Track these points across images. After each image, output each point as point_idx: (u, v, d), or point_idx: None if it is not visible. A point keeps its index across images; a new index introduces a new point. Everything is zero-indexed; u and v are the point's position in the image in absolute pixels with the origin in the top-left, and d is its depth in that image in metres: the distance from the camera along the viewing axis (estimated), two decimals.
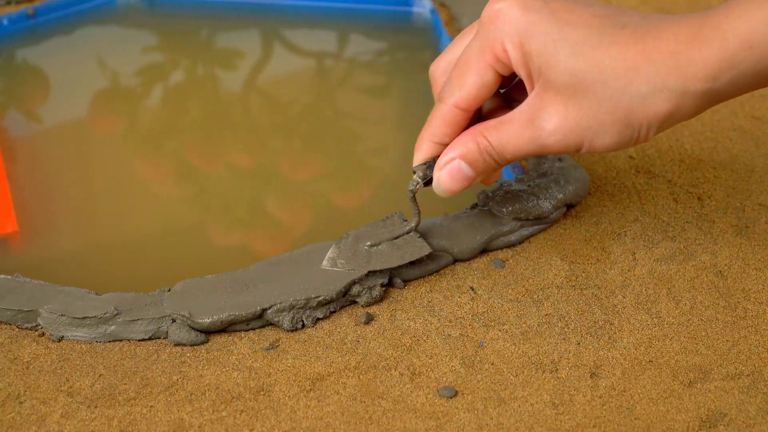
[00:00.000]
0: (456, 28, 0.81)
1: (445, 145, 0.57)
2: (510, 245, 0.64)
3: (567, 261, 0.63)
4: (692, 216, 0.66)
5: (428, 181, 0.58)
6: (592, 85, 0.52)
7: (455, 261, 0.63)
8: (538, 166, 0.67)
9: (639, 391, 0.56)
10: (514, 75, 0.57)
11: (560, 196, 0.64)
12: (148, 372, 0.56)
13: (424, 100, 0.77)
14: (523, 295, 0.61)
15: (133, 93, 0.78)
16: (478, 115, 0.60)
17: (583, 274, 0.62)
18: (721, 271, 0.62)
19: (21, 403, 0.55)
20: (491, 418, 0.55)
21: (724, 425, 0.54)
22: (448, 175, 0.57)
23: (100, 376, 0.56)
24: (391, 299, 0.61)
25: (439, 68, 0.60)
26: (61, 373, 0.56)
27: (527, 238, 0.64)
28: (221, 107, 0.77)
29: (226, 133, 0.75)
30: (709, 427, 0.54)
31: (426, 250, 0.60)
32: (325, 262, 0.60)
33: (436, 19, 0.82)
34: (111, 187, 0.70)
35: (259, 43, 0.82)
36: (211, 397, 0.55)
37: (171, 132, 0.75)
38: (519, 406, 0.55)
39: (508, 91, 0.60)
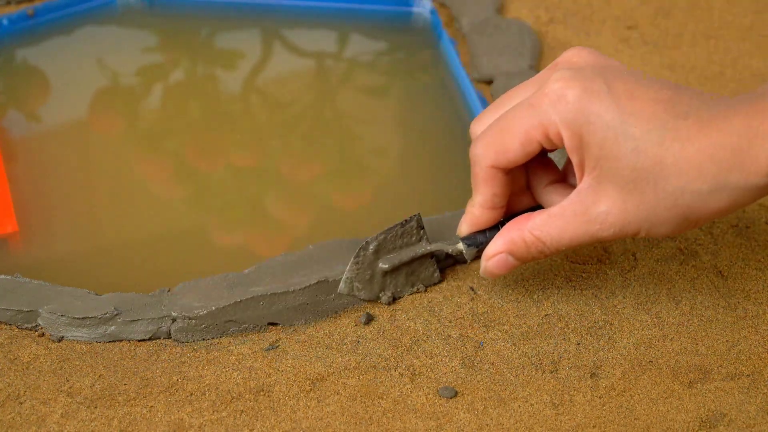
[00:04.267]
0: (456, 28, 0.81)
1: (494, 209, 0.57)
2: None
3: (567, 261, 0.63)
4: None
5: (479, 249, 0.58)
6: (653, 182, 0.51)
7: (456, 262, 0.63)
8: None
9: (639, 391, 0.56)
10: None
11: None
12: (148, 372, 0.56)
13: (424, 101, 0.77)
14: (523, 295, 0.61)
15: (132, 93, 0.78)
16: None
17: (583, 274, 0.62)
18: (721, 272, 0.62)
19: (21, 403, 0.55)
20: (491, 419, 0.54)
21: (724, 425, 0.54)
22: (495, 265, 0.57)
23: (100, 376, 0.56)
24: None
25: (481, 128, 0.57)
26: (61, 373, 0.56)
27: None
28: (221, 107, 0.77)
29: (226, 133, 0.75)
30: (709, 427, 0.54)
31: (437, 278, 0.61)
32: (342, 285, 0.59)
33: (436, 20, 0.82)
34: (111, 187, 0.70)
35: (259, 43, 0.82)
36: (211, 398, 0.55)
37: (171, 132, 0.75)
38: (519, 406, 0.55)
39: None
